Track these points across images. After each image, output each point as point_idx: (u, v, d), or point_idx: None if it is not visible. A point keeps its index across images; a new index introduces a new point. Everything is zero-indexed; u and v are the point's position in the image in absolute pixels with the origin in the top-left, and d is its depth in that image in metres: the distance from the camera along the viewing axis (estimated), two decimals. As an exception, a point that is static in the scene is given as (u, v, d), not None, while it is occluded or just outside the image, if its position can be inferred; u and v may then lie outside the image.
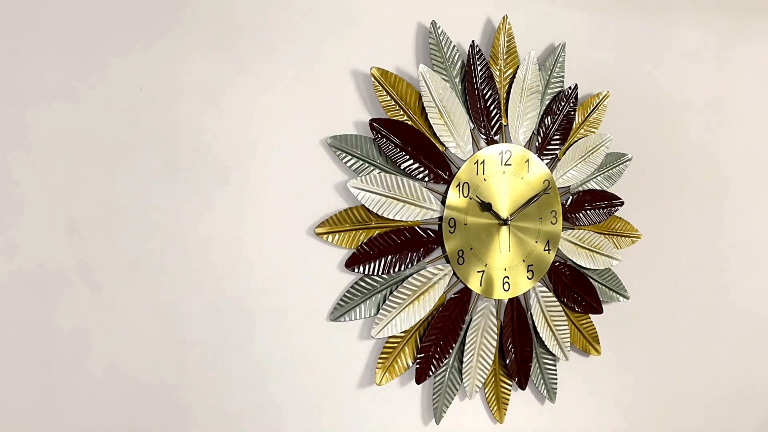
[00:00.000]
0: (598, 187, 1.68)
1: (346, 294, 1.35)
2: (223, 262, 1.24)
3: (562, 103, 1.59)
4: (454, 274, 1.46)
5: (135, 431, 1.19)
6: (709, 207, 1.89)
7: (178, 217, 1.18)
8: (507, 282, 1.53)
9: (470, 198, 1.46)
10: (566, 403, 1.68)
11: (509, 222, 1.52)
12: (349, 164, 1.33)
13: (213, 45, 1.20)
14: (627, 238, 1.75)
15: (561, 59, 1.59)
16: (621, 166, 1.72)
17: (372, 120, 1.33)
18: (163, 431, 1.22)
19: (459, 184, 1.45)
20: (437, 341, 1.44)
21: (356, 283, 1.36)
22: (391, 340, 1.40)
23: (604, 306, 1.71)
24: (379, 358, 1.39)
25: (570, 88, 1.59)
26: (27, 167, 1.07)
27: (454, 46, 1.44)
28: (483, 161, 1.48)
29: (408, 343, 1.43)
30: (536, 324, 1.58)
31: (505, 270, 1.53)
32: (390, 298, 1.38)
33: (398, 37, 1.40)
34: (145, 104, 1.14)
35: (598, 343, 1.71)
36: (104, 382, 1.16)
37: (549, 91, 1.59)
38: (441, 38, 1.41)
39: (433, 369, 1.43)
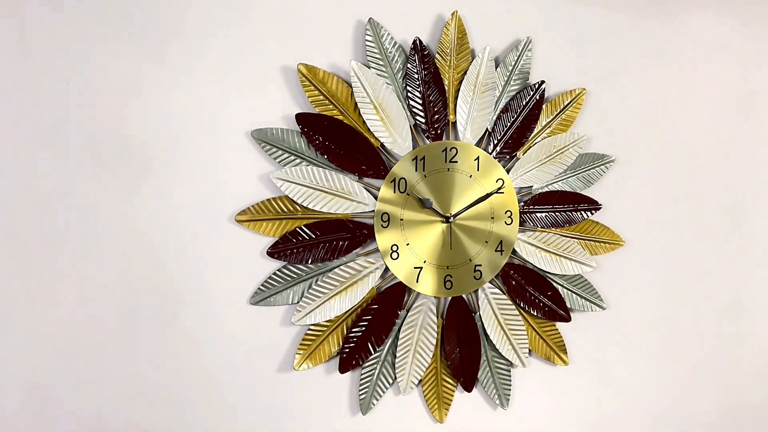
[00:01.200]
0: (569, 189, 1.60)
1: (268, 280, 1.41)
2: (144, 247, 1.35)
3: (525, 100, 1.54)
4: (387, 268, 1.47)
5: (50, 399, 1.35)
6: (703, 215, 1.73)
7: (101, 203, 1.32)
8: (449, 280, 1.51)
9: (407, 194, 1.47)
10: (522, 410, 1.62)
11: (452, 220, 1.50)
12: (274, 157, 1.40)
13: (138, 40, 1.32)
14: (605, 245, 1.64)
15: (526, 55, 1.54)
16: (601, 167, 1.62)
17: (298, 114, 1.39)
18: (81, 410, 1.37)
19: (394, 180, 1.46)
20: (366, 333, 1.46)
21: (280, 270, 1.42)
22: (315, 327, 1.45)
23: (577, 315, 1.63)
24: (300, 344, 1.44)
25: (535, 84, 1.54)
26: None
27: (395, 42, 1.45)
28: (423, 158, 1.48)
29: (335, 332, 1.46)
30: (486, 326, 1.55)
31: (448, 268, 1.51)
32: (314, 286, 1.43)
33: (337, 34, 1.44)
34: (71, 97, 1.29)
35: (565, 353, 1.63)
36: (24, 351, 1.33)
37: (511, 88, 1.54)
38: (380, 35, 1.43)
39: (359, 360, 1.46)
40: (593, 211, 1.61)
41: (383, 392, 1.50)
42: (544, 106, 1.57)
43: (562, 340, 1.62)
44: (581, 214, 1.59)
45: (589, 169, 1.61)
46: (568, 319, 1.60)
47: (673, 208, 1.71)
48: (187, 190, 1.37)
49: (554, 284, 1.60)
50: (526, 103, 1.54)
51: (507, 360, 1.57)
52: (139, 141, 1.33)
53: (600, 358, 1.68)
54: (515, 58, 1.54)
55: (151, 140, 1.34)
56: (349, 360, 1.45)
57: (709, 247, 1.74)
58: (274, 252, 1.40)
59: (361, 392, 1.48)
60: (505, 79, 1.54)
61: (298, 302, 1.43)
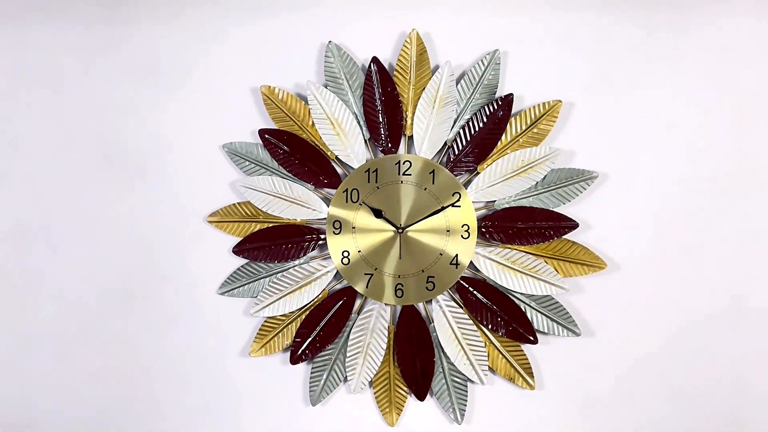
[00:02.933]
0: (539, 205, 1.53)
1: (233, 274, 1.61)
2: (136, 238, 1.64)
3: (489, 114, 1.52)
4: (338, 272, 1.58)
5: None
6: (692, 238, 1.52)
7: (104, 200, 1.64)
8: (400, 289, 1.56)
9: (360, 203, 1.55)
10: (480, 428, 1.59)
11: (404, 231, 1.55)
12: (241, 167, 1.59)
13: (137, 70, 1.61)
14: (583, 266, 1.53)
15: (493, 68, 1.52)
16: (580, 183, 1.52)
17: (261, 129, 1.57)
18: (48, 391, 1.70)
19: (347, 190, 1.56)
20: (315, 331, 1.58)
21: (243, 266, 1.61)
22: (270, 320, 1.60)
23: (550, 338, 1.55)
24: (257, 334, 1.61)
25: (500, 97, 1.51)
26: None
27: (354, 62, 1.55)
28: (376, 170, 1.55)
29: (289, 327, 1.60)
30: (441, 339, 1.56)
31: (399, 277, 1.56)
32: (270, 283, 1.59)
33: (304, 56, 1.58)
34: (90, 119, 1.63)
35: (531, 376, 1.56)
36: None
37: (476, 101, 1.54)
38: (340, 55, 1.55)
39: (308, 355, 1.58)
40: (568, 230, 1.52)
41: (334, 388, 1.60)
42: (514, 120, 1.53)
43: (528, 362, 1.56)
44: (554, 232, 1.52)
45: (565, 185, 1.52)
46: (533, 342, 1.54)
47: (662, 229, 1.54)
48: (172, 192, 1.63)
49: (519, 303, 1.55)
50: (491, 117, 1.52)
51: (464, 374, 1.56)
52: (135, 150, 1.62)
53: (573, 386, 1.58)
54: (481, 71, 1.53)
55: (145, 150, 1.62)
56: (296, 353, 1.59)
57: (700, 275, 1.53)
58: (238, 250, 1.60)
59: (311, 385, 1.61)
60: (470, 92, 1.54)
61: (256, 296, 1.61)
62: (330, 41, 1.54)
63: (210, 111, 1.61)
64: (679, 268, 1.55)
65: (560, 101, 1.51)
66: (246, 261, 1.61)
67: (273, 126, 1.58)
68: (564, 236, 1.53)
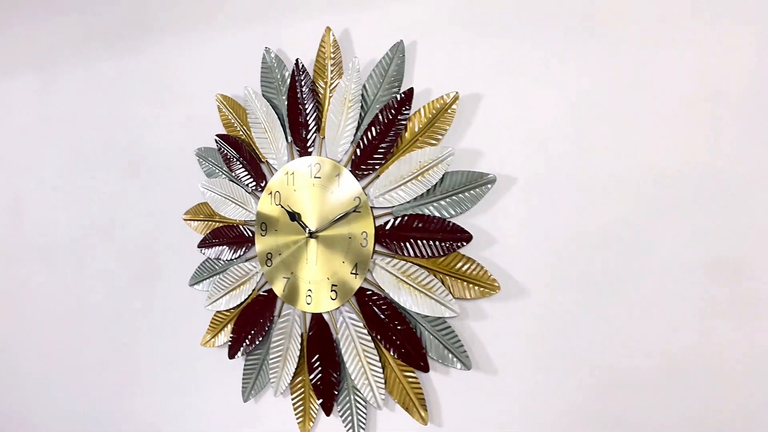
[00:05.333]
0: (438, 213, 1.33)
1: (198, 268, 1.74)
2: (132, 231, 1.88)
3: (393, 112, 1.39)
4: (263, 274, 1.59)
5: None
6: (616, 261, 1.12)
7: (105, 197, 1.93)
8: (310, 295, 1.51)
9: (281, 206, 1.55)
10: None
11: (315, 236, 1.49)
12: (204, 170, 1.72)
13: (131, 85, 1.86)
14: (475, 287, 1.28)
15: (396, 62, 1.39)
16: (477, 189, 1.28)
17: (216, 135, 1.68)
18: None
19: (271, 192, 1.57)
20: (247, 329, 1.62)
21: (204, 261, 1.73)
22: (219, 314, 1.69)
23: (448, 368, 1.35)
24: (209, 326, 1.71)
25: (402, 93, 1.37)
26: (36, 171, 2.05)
27: (284, 66, 1.56)
28: (293, 173, 1.53)
29: (231, 321, 1.67)
30: (344, 352, 1.46)
31: (310, 283, 1.51)
32: (218, 279, 1.68)
33: (255, 64, 1.65)
34: (100, 130, 1.94)
35: (425, 409, 1.36)
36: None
37: (382, 99, 1.42)
38: (273, 61, 1.58)
39: (239, 351, 1.62)
40: (463, 243, 1.30)
41: (263, 386, 1.62)
42: (414, 117, 1.37)
43: (422, 392, 1.37)
44: (447, 245, 1.31)
45: (462, 191, 1.31)
46: (424, 369, 1.35)
47: (578, 246, 1.20)
48: (160, 191, 1.83)
49: (412, 323, 1.37)
50: (394, 115, 1.39)
51: (363, 395, 1.44)
52: (130, 154, 1.88)
53: (470, 426, 1.32)
54: (386, 65, 1.40)
55: (139, 155, 1.86)
56: (232, 349, 1.64)
57: (622, 304, 1.14)
58: (200, 246, 1.73)
59: (243, 381, 1.64)
60: (376, 89, 1.42)
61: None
62: (266, 47, 1.58)
63: (191, 119, 1.78)
64: (596, 295, 1.19)
65: (457, 93, 1.31)
66: (207, 257, 1.73)
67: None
68: (459, 250, 1.31)
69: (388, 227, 1.39)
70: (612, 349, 1.18)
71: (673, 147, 1.12)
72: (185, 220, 1.77)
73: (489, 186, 1.28)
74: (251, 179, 1.61)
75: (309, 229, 1.50)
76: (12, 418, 2.21)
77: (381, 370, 1.42)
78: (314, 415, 1.54)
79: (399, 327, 1.38)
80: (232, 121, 1.66)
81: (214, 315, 1.71)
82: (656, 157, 1.13)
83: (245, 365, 1.65)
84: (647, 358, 1.15)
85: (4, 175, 2.18)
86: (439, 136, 1.34)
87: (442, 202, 1.33)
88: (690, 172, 1.11)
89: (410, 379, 1.39)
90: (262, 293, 1.61)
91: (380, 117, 1.40)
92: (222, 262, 1.69)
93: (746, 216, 1.07)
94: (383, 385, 1.42)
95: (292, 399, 1.58)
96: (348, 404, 1.48)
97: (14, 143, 2.14)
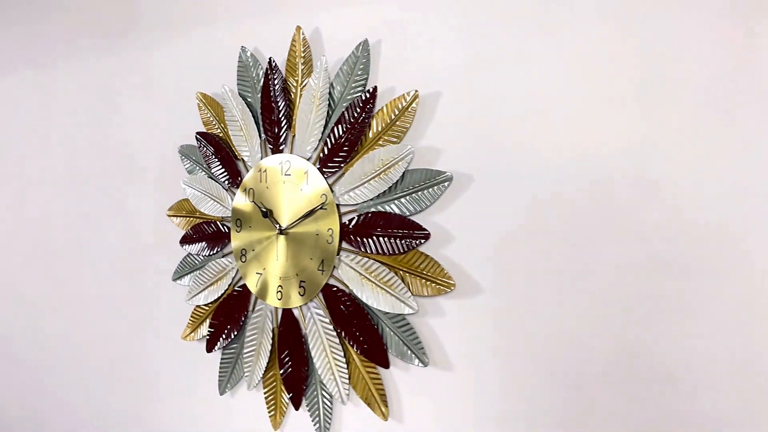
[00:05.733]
0: (399, 211, 1.34)
1: (180, 263, 1.77)
2: (115, 226, 1.93)
3: (357, 110, 1.40)
4: (238, 270, 1.62)
5: None
6: (572, 260, 1.11)
7: (93, 192, 1.97)
8: (280, 291, 1.53)
9: (254, 203, 1.58)
10: (341, 452, 1.44)
11: (285, 232, 1.51)
12: (186, 167, 1.75)
13: (118, 83, 1.91)
14: (431, 284, 1.29)
15: (362, 61, 1.40)
16: (436, 187, 1.29)
17: (196, 133, 1.71)
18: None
19: (246, 189, 1.59)
20: (223, 323, 1.64)
21: (186, 257, 1.76)
22: (198, 308, 1.72)
23: (408, 365, 1.36)
24: (189, 320, 1.74)
25: (367, 92, 1.38)
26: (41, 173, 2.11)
27: (259, 64, 1.58)
28: (265, 170, 1.55)
29: (210, 316, 1.70)
30: (311, 348, 1.48)
31: (280, 279, 1.53)
32: (196, 275, 1.71)
33: (233, 63, 1.67)
34: (92, 126, 1.98)
35: (386, 405, 1.37)
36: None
37: (349, 97, 1.43)
38: (249, 60, 1.60)
39: (217, 345, 1.65)
40: (421, 240, 1.31)
41: (238, 380, 1.64)
42: (377, 115, 1.38)
43: (383, 389, 1.38)
44: (407, 242, 1.32)
45: (421, 189, 1.31)
46: (385, 365, 1.36)
47: (536, 245, 1.20)
48: (150, 189, 1.87)
49: (374, 320, 1.38)
50: (359, 113, 1.40)
51: (329, 390, 1.46)
52: (119, 150, 1.92)
53: (428, 423, 1.33)
54: (352, 64, 1.42)
55: (127, 151, 1.90)
56: (210, 342, 1.67)
57: (571, 300, 1.14)
58: (182, 242, 1.76)
59: (220, 375, 1.67)
60: (343, 87, 1.44)
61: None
62: (242, 46, 1.61)
63: (177, 118, 1.81)
64: (549, 292, 1.19)
65: (417, 92, 1.31)
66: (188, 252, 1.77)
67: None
68: (419, 248, 1.32)
69: (352, 224, 1.41)
70: (564, 345, 1.18)
71: (625, 147, 1.11)
72: (169, 215, 1.80)
73: (446, 184, 1.28)
74: (227, 176, 1.63)
75: (279, 226, 1.52)
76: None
77: (346, 366, 1.43)
78: (285, 409, 1.57)
79: (361, 323, 1.39)
80: (211, 118, 1.69)
81: (194, 309, 1.75)
82: (606, 157, 1.13)
83: (221, 359, 1.68)
84: (599, 354, 1.15)
85: (10, 169, 2.24)
86: (401, 134, 1.35)
87: (403, 200, 1.34)
88: (636, 171, 1.10)
89: (372, 375, 1.40)
90: (237, 288, 1.64)
91: (346, 115, 1.42)
92: (201, 258, 1.73)
93: (688, 214, 1.06)
94: (348, 381, 1.43)
95: (265, 393, 1.60)
96: (315, 399, 1.50)
97: (16, 138, 2.21)
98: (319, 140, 1.46)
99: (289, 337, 1.53)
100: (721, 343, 1.06)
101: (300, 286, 1.50)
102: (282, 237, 1.53)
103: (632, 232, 1.11)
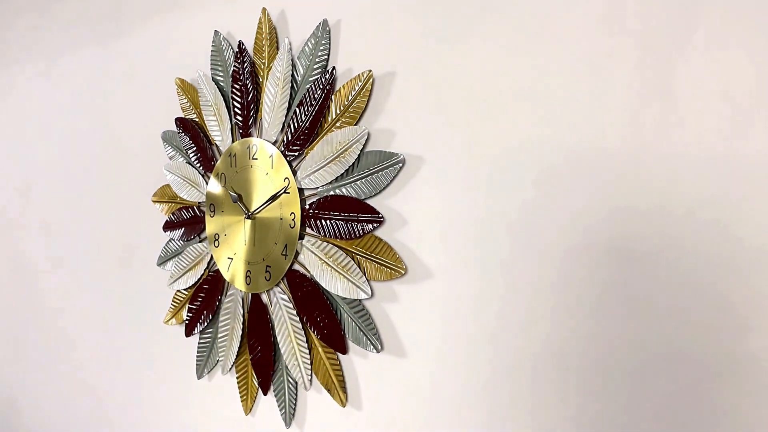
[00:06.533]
0: (354, 194, 1.31)
1: (163, 248, 1.79)
2: (105, 212, 1.96)
3: (319, 92, 1.38)
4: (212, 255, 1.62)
5: None
6: (521, 243, 1.06)
7: (89, 190, 2.00)
8: (249, 276, 1.52)
9: (225, 188, 1.57)
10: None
11: (252, 217, 1.51)
12: (167, 153, 1.76)
13: (106, 69, 1.93)
14: (383, 269, 1.26)
15: (323, 41, 1.37)
16: (389, 169, 1.26)
17: (175, 119, 1.72)
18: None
19: (218, 174, 1.59)
20: (200, 308, 1.65)
21: (168, 242, 1.77)
22: (179, 293, 1.73)
23: (366, 351, 1.34)
24: (170, 304, 1.76)
25: (328, 72, 1.36)
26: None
27: (231, 48, 1.58)
28: (235, 154, 1.55)
29: (188, 300, 1.71)
30: (277, 333, 1.47)
31: (249, 264, 1.52)
32: (176, 260, 1.72)
33: (208, 47, 1.67)
34: (84, 114, 2.01)
35: (344, 391, 1.35)
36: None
37: (310, 79, 1.41)
38: (221, 44, 1.60)
39: (195, 329, 1.66)
40: (375, 224, 1.28)
41: (214, 364, 1.65)
42: (336, 97, 1.35)
43: (342, 374, 1.36)
44: (362, 226, 1.30)
45: (374, 172, 1.28)
46: (343, 351, 1.34)
47: (487, 229, 1.15)
48: (139, 173, 1.89)
49: (333, 305, 1.36)
50: (320, 95, 1.37)
51: (293, 375, 1.45)
52: (108, 136, 1.94)
53: (383, 408, 1.30)
54: (312, 46, 1.39)
55: (115, 137, 1.92)
56: (188, 327, 1.68)
57: (523, 288, 1.09)
58: (165, 228, 1.77)
59: (197, 359, 1.68)
60: (304, 69, 1.41)
61: (176, 269, 1.77)
62: (215, 30, 1.60)
63: (163, 102, 1.82)
64: (501, 278, 1.14)
65: (371, 72, 1.28)
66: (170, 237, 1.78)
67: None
68: (374, 232, 1.29)
69: (311, 208, 1.39)
70: (515, 333, 1.14)
71: (587, 132, 1.06)
72: (153, 201, 1.82)
73: (398, 166, 1.25)
74: (202, 161, 1.64)
75: (247, 211, 1.52)
76: None
77: (308, 352, 1.42)
78: (255, 394, 1.57)
79: (321, 309, 1.37)
80: (188, 104, 1.69)
81: (175, 294, 1.76)
82: (565, 141, 1.07)
83: (198, 343, 1.69)
84: (552, 339, 1.10)
85: (16, 158, 2.31)
86: (357, 116, 1.32)
87: (359, 183, 1.31)
88: (594, 153, 1.04)
89: (332, 361, 1.38)
90: (211, 273, 1.65)
91: (306, 97, 1.39)
92: (180, 243, 1.74)
93: (636, 199, 1.00)
94: (310, 367, 1.42)
95: (237, 377, 1.60)
96: (282, 384, 1.49)
97: (20, 128, 2.27)
98: (283, 123, 1.45)
99: (258, 322, 1.52)
100: (675, 332, 1.00)
101: (266, 271, 1.49)
102: (249, 222, 1.52)
103: (587, 217, 1.06)
